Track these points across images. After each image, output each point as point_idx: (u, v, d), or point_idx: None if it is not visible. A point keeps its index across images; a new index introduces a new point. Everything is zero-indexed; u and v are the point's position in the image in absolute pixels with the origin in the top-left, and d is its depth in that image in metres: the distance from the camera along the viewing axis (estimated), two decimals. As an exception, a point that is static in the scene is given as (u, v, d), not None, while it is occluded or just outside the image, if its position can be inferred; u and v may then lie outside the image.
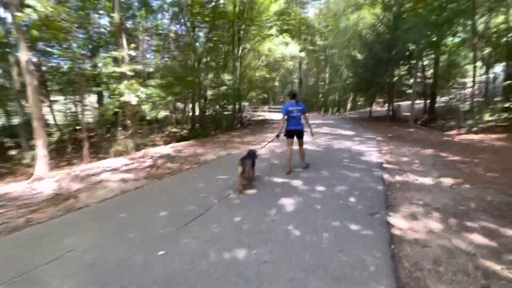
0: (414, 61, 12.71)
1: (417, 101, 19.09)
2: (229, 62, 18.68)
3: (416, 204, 3.30)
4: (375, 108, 28.63)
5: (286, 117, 4.67)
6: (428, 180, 4.31)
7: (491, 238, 2.45)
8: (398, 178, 4.50)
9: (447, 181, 4.23)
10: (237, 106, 20.60)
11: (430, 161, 5.69)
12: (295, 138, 4.77)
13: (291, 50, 22.48)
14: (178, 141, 12.38)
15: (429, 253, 2.23)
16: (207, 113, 17.72)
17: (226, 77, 17.20)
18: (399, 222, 2.82)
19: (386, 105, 18.55)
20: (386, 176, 4.56)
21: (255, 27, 16.95)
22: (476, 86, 23.56)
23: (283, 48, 22.22)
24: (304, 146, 5.18)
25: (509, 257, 2.14)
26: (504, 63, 13.99)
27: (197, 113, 17.94)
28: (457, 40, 14.01)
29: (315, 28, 23.31)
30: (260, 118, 25.34)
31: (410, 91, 14.71)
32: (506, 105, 8.30)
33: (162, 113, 12.78)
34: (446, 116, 16.15)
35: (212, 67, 17.77)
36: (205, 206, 3.33)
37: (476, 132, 9.49)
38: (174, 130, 14.74)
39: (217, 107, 17.80)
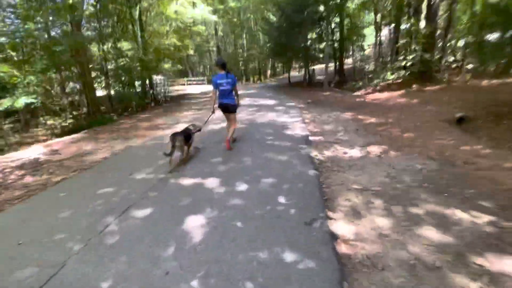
0: (324, 23, 12.76)
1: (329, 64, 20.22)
2: (127, 28, 15.24)
3: (354, 191, 2.74)
4: (293, 74, 29.59)
5: (216, 90, 4.35)
6: (356, 152, 3.93)
7: (443, 229, 2.00)
8: (326, 153, 3.99)
9: (374, 150, 3.93)
10: (147, 82, 17.76)
11: (351, 127, 5.51)
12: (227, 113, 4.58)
13: (201, 13, 20.00)
14: (66, 133, 9.50)
15: (391, 279, 1.58)
16: (111, 93, 14.46)
17: (125, 46, 14.06)
18: (342, 228, 2.14)
19: (303, 70, 18.97)
20: (314, 153, 3.99)
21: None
22: (371, 48, 26.47)
23: (192, 10, 19.55)
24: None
25: (473, 259, 1.68)
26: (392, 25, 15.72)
27: (100, 93, 14.45)
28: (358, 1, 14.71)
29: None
30: (178, 93, 22.76)
31: (321, 55, 15.20)
32: (403, 63, 9.06)
33: (27, 99, 9.26)
34: (353, 77, 17.68)
35: (104, 35, 14.13)
36: (52, 265, 1.95)
37: (380, 91, 10.29)
38: (52, 121, 11.36)
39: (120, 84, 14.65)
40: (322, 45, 14.64)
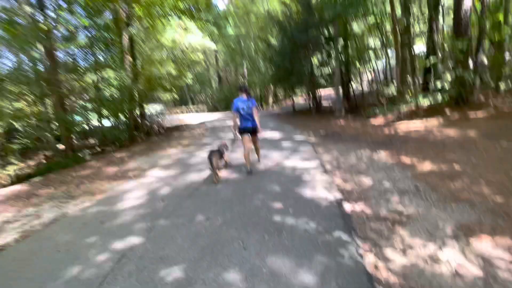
0: (330, 45, 11.37)
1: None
2: (116, 55, 14.11)
3: None
4: (297, 100, 28.34)
5: (237, 114, 4.43)
6: (453, 255, 1.92)
7: None
8: (393, 257, 1.98)
9: (488, 250, 1.92)
10: (137, 112, 16.31)
11: (403, 179, 3.53)
12: (249, 136, 4.49)
13: (200, 41, 19.17)
14: (21, 179, 7.63)
15: None
16: (94, 125, 12.89)
17: (110, 74, 12.75)
18: None
19: (307, 96, 17.47)
20: (370, 259, 1.99)
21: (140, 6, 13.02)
22: (372, 73, 25.24)
23: (190, 38, 18.73)
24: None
25: None
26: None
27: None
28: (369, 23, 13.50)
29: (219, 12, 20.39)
30: (176, 122, 21.29)
31: (325, 79, 13.69)
32: (439, 85, 7.28)
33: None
34: (363, 101, 16.06)
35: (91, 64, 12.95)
36: None
37: (406, 119, 8.44)
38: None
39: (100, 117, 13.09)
40: (329, 69, 13.19)
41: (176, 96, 22.25)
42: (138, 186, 4.64)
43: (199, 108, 30.88)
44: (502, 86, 8.41)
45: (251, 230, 2.57)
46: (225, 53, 32.53)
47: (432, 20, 10.24)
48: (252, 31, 22.27)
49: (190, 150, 7.53)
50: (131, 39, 15.31)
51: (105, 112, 12.32)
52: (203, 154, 6.69)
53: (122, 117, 13.59)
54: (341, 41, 13.00)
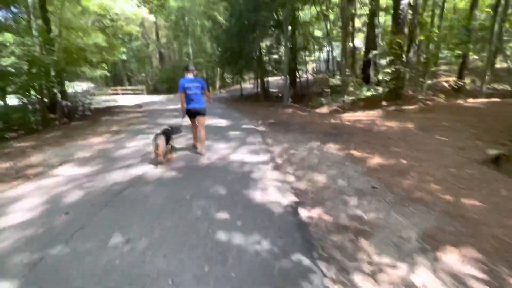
0: (278, 32, 10.98)
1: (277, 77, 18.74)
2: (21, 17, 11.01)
3: None
4: (244, 86, 27.65)
5: (183, 94, 4.22)
6: (419, 270, 1.66)
7: None
8: (359, 279, 1.63)
9: (450, 262, 1.73)
10: (55, 91, 13.43)
11: (357, 177, 3.33)
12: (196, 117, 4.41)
13: (135, 10, 16.53)
14: None
15: None
16: None
17: (9, 39, 9.93)
18: None
19: (255, 81, 17.03)
20: (331, 278, 1.59)
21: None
22: (314, 64, 26.24)
23: (124, 5, 15.95)
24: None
25: None
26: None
27: None
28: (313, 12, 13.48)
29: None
30: (108, 104, 18.40)
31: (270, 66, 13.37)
32: (380, 78, 7.60)
33: None
34: (307, 90, 16.46)
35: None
36: None
37: (349, 110, 8.74)
38: None
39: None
40: (276, 55, 12.88)
41: (107, 74, 19.05)
42: (36, 190, 3.45)
43: (137, 90, 27.55)
44: (427, 81, 9.34)
45: (187, 257, 1.92)
46: (168, 29, 29.43)
47: (373, 15, 10.67)
48: (197, 6, 20.33)
49: (119, 139, 6.29)
50: (40, -2, 12.24)
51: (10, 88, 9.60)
52: (135, 144, 5.62)
53: (32, 95, 10.91)
54: (289, 28, 12.76)
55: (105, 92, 26.36)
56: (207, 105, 4.59)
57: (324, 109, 10.61)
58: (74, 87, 21.10)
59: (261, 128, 6.81)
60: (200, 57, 25.87)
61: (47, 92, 12.80)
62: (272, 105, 11.34)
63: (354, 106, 9.34)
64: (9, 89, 9.71)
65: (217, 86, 25.55)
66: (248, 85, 24.53)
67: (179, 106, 4.49)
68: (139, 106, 15.23)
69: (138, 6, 13.65)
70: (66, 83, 17.05)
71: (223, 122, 7.73)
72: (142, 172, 3.84)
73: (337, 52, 20.98)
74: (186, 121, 4.62)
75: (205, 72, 27.48)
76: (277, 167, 3.82)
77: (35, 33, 10.05)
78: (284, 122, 7.51)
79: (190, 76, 4.25)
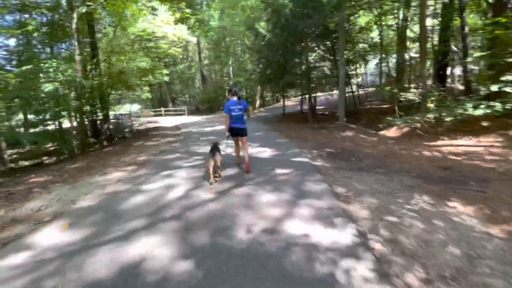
0: (332, 37, 9.24)
1: (321, 93, 16.74)
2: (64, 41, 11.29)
3: None
4: (287, 103, 26.18)
5: (229, 116, 4.54)
6: None
7: None
8: None
9: None
10: (100, 114, 13.54)
11: None
12: (239, 137, 4.70)
13: (178, 33, 16.52)
14: None
15: None
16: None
17: (54, 64, 9.94)
18: None
19: (302, 98, 15.32)
20: None
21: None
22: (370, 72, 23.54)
23: (167, 28, 16.02)
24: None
25: None
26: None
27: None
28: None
29: None
30: (149, 125, 18.48)
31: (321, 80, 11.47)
32: (494, 90, 5.19)
33: None
34: (359, 108, 14.15)
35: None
36: None
37: (438, 134, 6.38)
38: None
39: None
40: (326, 68, 11.05)
41: (149, 96, 19.47)
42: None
43: (179, 110, 28.00)
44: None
45: None
46: (209, 50, 29.99)
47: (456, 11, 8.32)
48: (237, 26, 19.85)
49: (140, 176, 5.04)
50: (90, 25, 12.57)
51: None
52: (154, 187, 4.27)
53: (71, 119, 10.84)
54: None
55: (148, 113, 27.23)
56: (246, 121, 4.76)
57: (392, 131, 8.34)
58: (120, 110, 22.14)
59: (319, 163, 4.97)
60: (240, 76, 25.37)
61: (90, 116, 12.93)
62: (324, 127, 9.43)
63: (449, 130, 6.90)
64: (49, 114, 9.59)
65: (257, 104, 24.50)
66: (290, 102, 22.97)
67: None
68: (177, 128, 14.61)
69: (176, 23, 13.13)
70: (116, 105, 17.60)
71: (266, 152, 6.08)
72: (143, 253, 2.32)
73: (392, 62, 18.43)
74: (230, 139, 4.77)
75: (245, 91, 26.84)
76: (380, 270, 1.93)
77: (77, 58, 9.95)
78: (350, 153, 5.55)
79: (234, 98, 4.58)
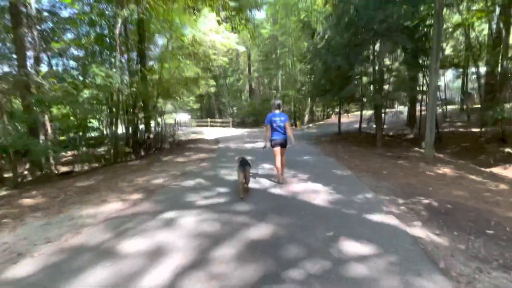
0: (423, 34, 6.80)
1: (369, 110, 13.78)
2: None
3: None
4: (335, 118, 23.37)
5: (270, 126, 4.63)
6: None
7: None
8: None
9: None
10: (141, 125, 13.16)
11: None
12: (280, 148, 4.63)
13: (226, 41, 15.74)
14: None
15: None
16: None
17: (95, 70, 9.61)
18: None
19: (360, 115, 12.82)
20: None
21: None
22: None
23: (214, 36, 15.36)
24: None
25: None
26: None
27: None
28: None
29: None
30: (191, 136, 17.92)
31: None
32: None
33: None
34: (442, 132, 10.89)
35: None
36: None
37: None
38: None
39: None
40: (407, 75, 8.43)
41: (193, 106, 19.16)
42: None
43: (225, 122, 27.48)
44: None
45: None
46: (259, 62, 29.25)
47: None
48: (288, 35, 18.33)
49: (137, 214, 3.52)
50: (140, 34, 12.39)
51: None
52: (136, 250, 2.61)
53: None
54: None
55: (193, 123, 27.28)
56: (290, 146, 4.73)
57: (507, 170, 5.44)
58: (168, 119, 22.31)
59: (421, 232, 2.74)
60: (289, 89, 23.69)
61: (130, 124, 12.57)
62: (400, 155, 6.89)
63: None
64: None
65: (306, 120, 22.32)
66: (345, 119, 20.29)
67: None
68: (216, 141, 13.43)
69: (220, 23, 12.09)
70: (163, 114, 17.49)
71: (320, 194, 4.03)
72: None
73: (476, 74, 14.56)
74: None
75: (293, 105, 24.99)
76: None
77: (117, 63, 9.48)
78: (474, 214, 3.15)
79: (277, 111, 4.65)
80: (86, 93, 8.91)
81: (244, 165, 4.03)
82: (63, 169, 10.85)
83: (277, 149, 4.59)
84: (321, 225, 2.92)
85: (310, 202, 3.67)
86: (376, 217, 3.10)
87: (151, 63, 14.60)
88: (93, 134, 13.45)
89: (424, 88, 8.82)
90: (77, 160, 10.85)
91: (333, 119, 24.06)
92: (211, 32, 14.72)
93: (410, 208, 3.40)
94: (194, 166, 6.83)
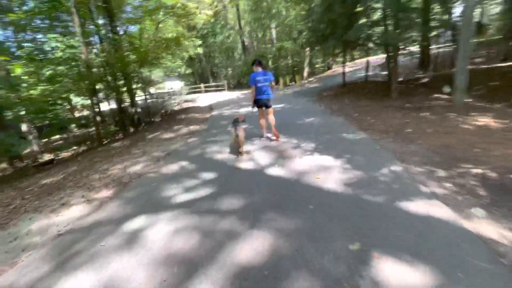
0: None
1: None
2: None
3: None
4: (336, 69, 21.44)
5: (254, 87, 4.53)
6: None
7: None
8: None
9: None
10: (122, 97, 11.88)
11: None
12: (265, 108, 4.68)
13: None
14: None
15: None
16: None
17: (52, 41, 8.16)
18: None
19: (366, 61, 11.35)
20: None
21: None
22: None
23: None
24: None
25: None
26: None
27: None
28: None
29: None
30: (184, 105, 16.71)
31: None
32: None
33: None
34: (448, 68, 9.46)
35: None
36: None
37: None
38: None
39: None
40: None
41: (187, 72, 17.45)
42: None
43: (220, 86, 25.78)
44: None
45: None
46: (249, 13, 26.23)
47: None
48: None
49: (97, 224, 2.69)
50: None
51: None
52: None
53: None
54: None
55: (184, 91, 25.72)
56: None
57: None
58: (157, 89, 20.75)
59: (489, 229, 1.85)
60: (284, 41, 21.39)
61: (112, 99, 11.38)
62: (419, 105, 5.77)
63: None
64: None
65: (305, 73, 20.55)
66: (346, 69, 18.57)
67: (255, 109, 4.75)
68: (210, 109, 12.27)
69: None
70: (150, 84, 15.98)
71: (331, 174, 3.10)
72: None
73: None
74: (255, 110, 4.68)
75: (291, 58, 22.88)
76: None
77: (77, 30, 7.94)
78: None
79: (260, 69, 4.50)
80: (46, 70, 7.64)
81: (235, 123, 4.19)
82: (48, 157, 10.09)
83: (260, 109, 4.70)
84: (339, 228, 2.04)
85: (320, 187, 2.76)
86: (415, 207, 2.19)
87: (124, 27, 12.73)
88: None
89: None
90: (62, 146, 10.02)
91: (335, 70, 22.20)
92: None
93: (458, 184, 2.47)
94: (181, 143, 5.89)
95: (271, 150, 4.23)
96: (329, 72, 22.37)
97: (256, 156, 4.02)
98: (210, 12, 16.62)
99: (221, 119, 8.35)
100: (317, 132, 4.89)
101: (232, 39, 28.25)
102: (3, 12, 8.67)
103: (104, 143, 9.49)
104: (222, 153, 4.48)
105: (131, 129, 11.37)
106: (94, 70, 8.30)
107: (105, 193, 3.67)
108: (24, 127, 9.81)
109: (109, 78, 9.14)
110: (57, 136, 14.38)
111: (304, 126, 5.54)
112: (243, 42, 29.71)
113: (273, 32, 24.20)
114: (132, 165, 4.82)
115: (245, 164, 3.76)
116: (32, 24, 8.78)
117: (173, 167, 4.23)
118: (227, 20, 29.05)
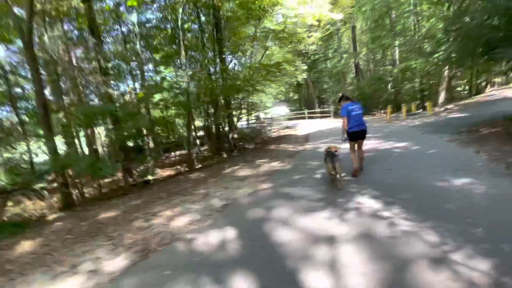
0: None
1: None
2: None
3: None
4: (493, 92, 14.94)
5: (347, 118, 4.18)
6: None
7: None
8: None
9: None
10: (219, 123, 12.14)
11: None
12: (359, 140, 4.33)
13: (316, 10, 12.38)
14: None
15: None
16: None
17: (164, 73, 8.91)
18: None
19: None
20: None
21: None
22: None
23: (302, 10, 12.40)
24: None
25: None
26: None
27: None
28: None
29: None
30: (283, 133, 15.89)
31: None
32: None
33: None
34: None
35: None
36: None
37: None
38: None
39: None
40: None
41: (295, 97, 16.67)
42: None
43: (325, 112, 23.87)
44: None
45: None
46: (366, 32, 23.52)
47: None
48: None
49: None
50: (217, 24, 11.08)
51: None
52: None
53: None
54: None
55: (283, 117, 25.09)
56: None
57: None
58: (262, 114, 21.02)
59: None
60: (411, 60, 17.31)
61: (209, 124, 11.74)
62: None
63: None
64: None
65: (441, 99, 15.61)
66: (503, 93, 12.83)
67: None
68: (306, 139, 10.68)
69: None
70: (254, 110, 16.27)
71: None
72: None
73: None
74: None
75: (418, 81, 18.30)
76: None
77: (183, 60, 8.39)
78: None
79: (348, 102, 4.30)
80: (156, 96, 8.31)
81: (331, 155, 3.82)
82: (166, 173, 10.82)
83: (353, 143, 4.31)
84: None
85: None
86: None
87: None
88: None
89: None
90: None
91: (492, 94, 16.13)
92: (297, 5, 11.87)
93: None
94: (249, 190, 4.54)
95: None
96: (479, 97, 16.36)
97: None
98: (317, 35, 15.44)
99: (311, 157, 6.53)
100: (487, 225, 2.34)
101: (344, 62, 26.00)
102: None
103: (197, 167, 9.55)
104: (296, 225, 2.75)
105: (224, 155, 11.23)
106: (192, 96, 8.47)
107: (119, 262, 2.68)
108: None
109: (200, 105, 9.27)
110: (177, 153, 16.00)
111: (452, 199, 3.00)
112: (357, 65, 26.90)
113: (396, 51, 20.41)
114: (180, 214, 3.82)
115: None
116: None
117: (213, 237, 2.86)
118: (339, 43, 27.27)
